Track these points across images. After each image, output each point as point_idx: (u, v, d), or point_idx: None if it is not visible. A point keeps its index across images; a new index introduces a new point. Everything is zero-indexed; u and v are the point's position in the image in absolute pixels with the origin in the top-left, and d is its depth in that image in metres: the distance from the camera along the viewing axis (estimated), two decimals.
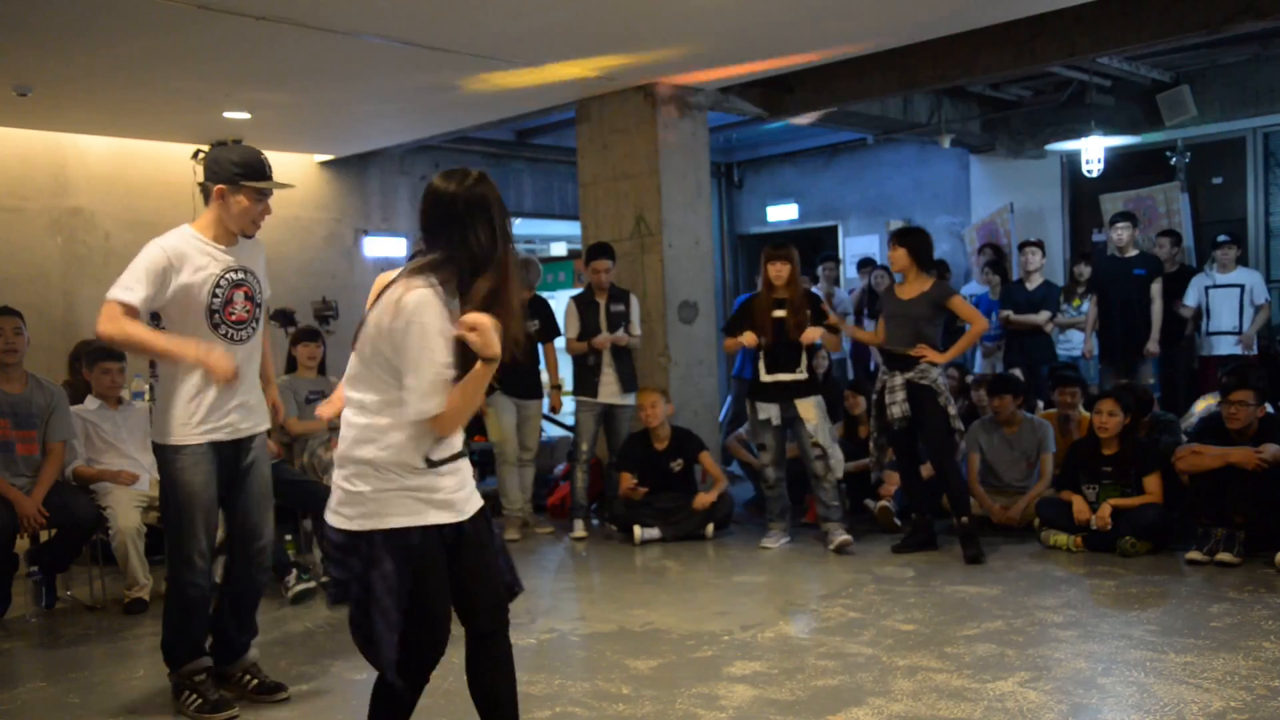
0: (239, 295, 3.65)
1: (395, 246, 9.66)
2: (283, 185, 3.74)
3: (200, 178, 3.71)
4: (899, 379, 5.75)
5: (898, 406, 5.72)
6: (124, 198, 8.23)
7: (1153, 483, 5.68)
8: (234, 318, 3.63)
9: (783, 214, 11.78)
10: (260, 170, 3.63)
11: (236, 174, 3.58)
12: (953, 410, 5.71)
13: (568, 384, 7.01)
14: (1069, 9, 6.10)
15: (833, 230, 11.37)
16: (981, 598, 4.87)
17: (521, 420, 6.85)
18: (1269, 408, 5.63)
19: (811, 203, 11.57)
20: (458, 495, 2.59)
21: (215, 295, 3.59)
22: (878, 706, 3.51)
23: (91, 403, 5.51)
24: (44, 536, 5.27)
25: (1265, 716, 3.31)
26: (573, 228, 9.70)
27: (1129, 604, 4.66)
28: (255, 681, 3.86)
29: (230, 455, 3.69)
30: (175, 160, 8.33)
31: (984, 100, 9.30)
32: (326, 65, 6.34)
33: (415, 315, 2.43)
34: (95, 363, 5.53)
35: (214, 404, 3.59)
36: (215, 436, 3.61)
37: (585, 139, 7.65)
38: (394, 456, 2.50)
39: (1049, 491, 6.13)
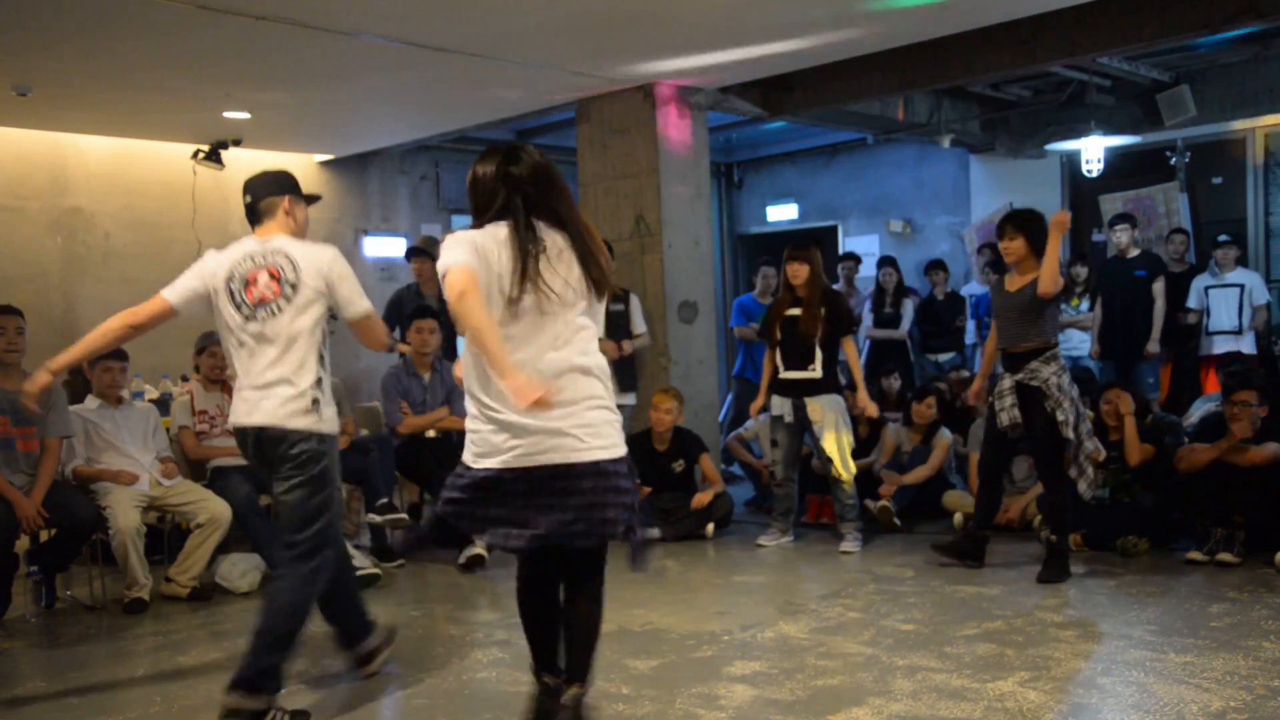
0: (262, 276, 3.65)
1: (395, 246, 9.65)
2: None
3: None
4: (1008, 381, 5.20)
5: (1006, 413, 5.18)
6: (124, 198, 8.22)
7: (1147, 449, 5.79)
8: (256, 298, 3.62)
9: (782, 214, 11.77)
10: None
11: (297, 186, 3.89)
12: (1061, 415, 5.03)
13: None
14: (1069, 9, 6.10)
15: (833, 230, 11.36)
16: (981, 598, 4.86)
17: None
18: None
19: (811, 203, 11.56)
20: None
21: (232, 278, 3.68)
22: (878, 706, 3.51)
23: (91, 402, 5.51)
24: (44, 536, 5.27)
25: (1265, 716, 3.31)
26: None
27: (1129, 604, 4.66)
28: None
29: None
30: (175, 160, 8.33)
31: (984, 100, 9.29)
32: (326, 65, 6.34)
33: None
34: (98, 361, 5.52)
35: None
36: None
37: (585, 139, 7.65)
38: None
39: None
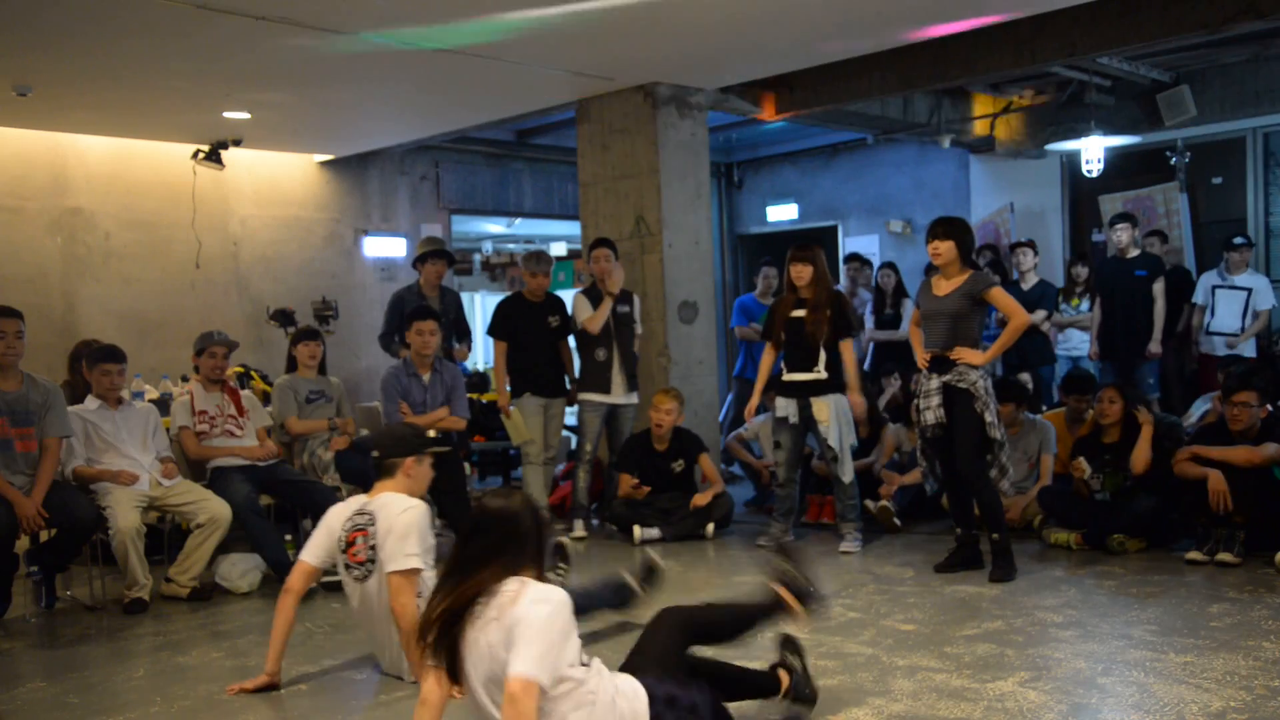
0: (358, 538, 3.98)
1: (395, 246, 9.65)
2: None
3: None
4: (935, 382, 5.31)
5: (931, 412, 5.30)
6: (124, 198, 8.22)
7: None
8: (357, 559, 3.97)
9: (782, 214, 11.78)
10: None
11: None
12: (989, 417, 5.22)
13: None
14: (1069, 9, 6.10)
15: (833, 230, 11.37)
16: (981, 598, 4.86)
17: (548, 419, 6.84)
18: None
19: (811, 203, 11.56)
20: None
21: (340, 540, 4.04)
22: (878, 706, 3.51)
23: (91, 403, 5.50)
24: (44, 536, 5.27)
25: (1265, 716, 3.31)
26: (573, 228, 9.70)
27: (1129, 604, 4.66)
28: None
29: None
30: (175, 160, 8.33)
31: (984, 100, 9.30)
32: (326, 65, 6.34)
33: None
34: (96, 364, 5.52)
35: None
36: None
37: (585, 139, 7.65)
38: None
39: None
